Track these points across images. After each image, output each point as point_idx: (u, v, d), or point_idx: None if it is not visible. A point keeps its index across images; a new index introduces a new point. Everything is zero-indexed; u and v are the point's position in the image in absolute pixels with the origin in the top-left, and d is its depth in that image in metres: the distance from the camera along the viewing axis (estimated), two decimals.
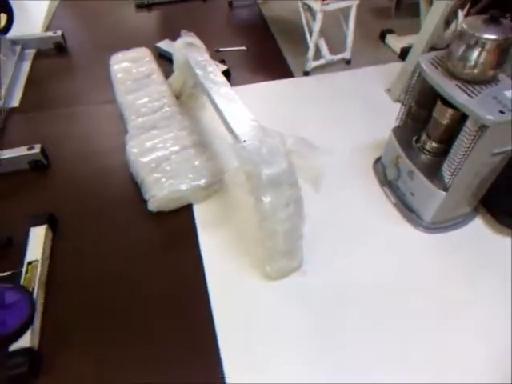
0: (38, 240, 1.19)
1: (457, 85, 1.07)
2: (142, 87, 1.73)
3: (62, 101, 1.83)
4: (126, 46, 2.02)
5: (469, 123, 1.04)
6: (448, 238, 1.32)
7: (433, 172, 1.24)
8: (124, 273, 1.21)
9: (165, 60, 2.01)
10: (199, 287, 1.17)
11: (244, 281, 1.19)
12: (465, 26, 1.03)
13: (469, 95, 1.03)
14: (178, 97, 1.74)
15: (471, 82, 1.07)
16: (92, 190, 1.43)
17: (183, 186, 1.31)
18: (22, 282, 1.08)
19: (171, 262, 1.24)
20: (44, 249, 1.18)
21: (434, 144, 1.28)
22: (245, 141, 1.08)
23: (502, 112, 0.98)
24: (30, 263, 1.13)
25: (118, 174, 1.48)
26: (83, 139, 1.63)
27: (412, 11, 2.25)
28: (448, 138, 1.26)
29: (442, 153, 1.29)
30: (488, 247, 1.28)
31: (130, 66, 1.85)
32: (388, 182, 1.44)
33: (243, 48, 2.19)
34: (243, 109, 1.22)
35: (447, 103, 1.15)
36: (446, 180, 1.18)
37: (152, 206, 1.29)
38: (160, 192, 1.29)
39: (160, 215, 1.33)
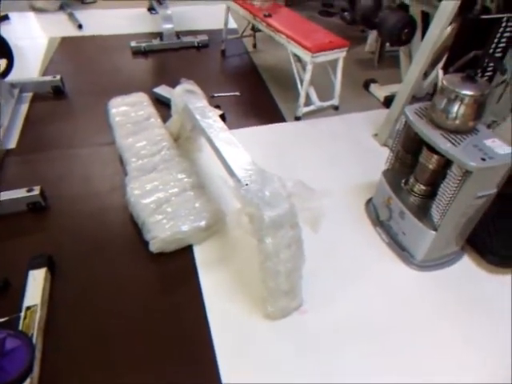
0: (36, 283, 1.18)
1: (441, 134, 1.17)
2: (140, 130, 1.79)
3: (60, 143, 1.87)
4: (124, 90, 2.10)
5: (454, 169, 1.13)
6: (439, 275, 1.37)
7: (422, 213, 1.32)
8: (125, 315, 1.20)
9: (161, 104, 2.10)
10: (201, 327, 1.17)
11: (245, 321, 1.20)
12: (445, 83, 1.15)
13: (452, 143, 1.13)
14: (175, 139, 1.81)
15: (454, 132, 1.17)
16: (91, 231, 1.44)
17: (185, 228, 1.34)
18: (20, 327, 1.05)
19: (172, 303, 1.24)
20: (43, 293, 1.16)
21: (422, 186, 1.37)
22: (247, 184, 1.14)
23: (483, 159, 1.07)
24: (28, 308, 1.11)
25: (117, 215, 1.50)
26: (81, 180, 1.65)
27: (392, 63, 2.45)
28: (434, 181, 1.35)
29: (430, 195, 1.37)
30: (476, 284, 1.34)
31: (128, 110, 1.91)
32: (380, 222, 1.51)
33: (237, 93, 2.31)
34: (243, 153, 1.28)
35: (433, 150, 1.25)
36: (435, 220, 1.26)
37: (154, 247, 1.31)
38: (162, 233, 1.31)
39: (160, 256, 1.34)
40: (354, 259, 1.41)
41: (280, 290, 1.11)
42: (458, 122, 1.15)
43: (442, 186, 1.20)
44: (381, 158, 1.91)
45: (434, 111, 1.20)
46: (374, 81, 2.46)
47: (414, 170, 1.39)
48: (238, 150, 1.30)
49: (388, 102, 2.30)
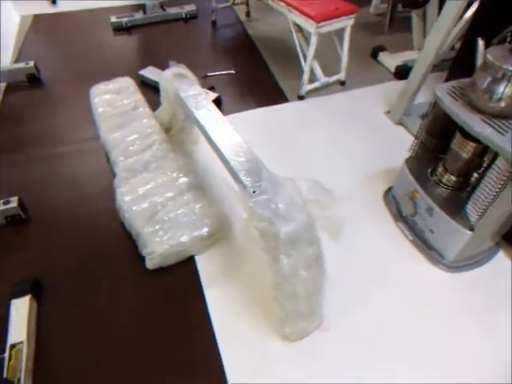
0: (20, 315, 1.03)
1: (482, 119, 0.99)
2: (128, 122, 1.59)
3: (39, 141, 1.67)
4: (106, 74, 1.87)
5: (499, 162, 0.96)
6: (472, 276, 1.23)
7: (455, 209, 1.15)
8: (122, 340, 1.06)
9: (149, 88, 1.88)
10: (210, 350, 1.03)
11: (260, 342, 1.06)
12: (490, 58, 0.95)
13: (498, 131, 0.95)
14: (167, 130, 1.61)
15: (497, 116, 0.99)
16: (79, 244, 1.27)
17: (184, 238, 1.18)
18: (5, 372, 0.91)
19: (175, 324, 1.10)
20: (28, 325, 1.01)
21: (453, 177, 1.20)
22: (254, 191, 0.96)
23: None
24: (13, 346, 0.97)
25: (108, 223, 1.33)
26: (65, 185, 1.47)
27: (401, 26, 2.20)
28: (468, 172, 1.18)
29: (462, 186, 1.21)
30: None
31: (113, 99, 1.70)
32: (403, 216, 1.34)
33: (232, 71, 2.08)
34: (249, 151, 1.10)
35: (468, 136, 1.07)
36: (472, 219, 1.09)
37: (150, 263, 1.15)
38: (159, 247, 1.15)
39: (159, 271, 1.19)
40: (375, 261, 1.26)
41: (299, 313, 0.97)
42: (503, 104, 0.96)
43: (482, 181, 1.03)
44: (395, 139, 1.73)
45: (474, 91, 1.01)
46: (382, 48, 2.22)
47: (443, 158, 1.22)
48: (242, 148, 1.11)
49: (400, 72, 2.08)
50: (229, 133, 1.16)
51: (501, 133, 0.95)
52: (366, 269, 1.24)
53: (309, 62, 1.79)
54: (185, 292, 1.16)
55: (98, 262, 1.22)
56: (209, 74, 2.02)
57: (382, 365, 1.02)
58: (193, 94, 1.35)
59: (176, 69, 1.45)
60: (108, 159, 1.53)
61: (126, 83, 1.79)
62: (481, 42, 1.00)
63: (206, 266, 1.22)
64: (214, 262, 1.24)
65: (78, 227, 1.32)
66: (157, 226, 1.20)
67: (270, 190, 0.95)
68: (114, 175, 1.44)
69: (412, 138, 1.69)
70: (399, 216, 1.36)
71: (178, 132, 1.60)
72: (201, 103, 1.30)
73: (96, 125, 1.63)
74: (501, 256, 1.27)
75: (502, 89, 0.94)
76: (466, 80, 1.05)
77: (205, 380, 1.00)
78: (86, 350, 1.04)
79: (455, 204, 1.17)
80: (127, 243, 1.25)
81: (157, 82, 1.84)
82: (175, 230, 1.19)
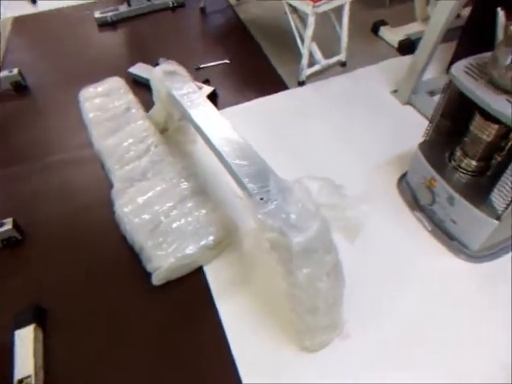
0: (26, 347, 0.97)
1: (507, 99, 0.89)
2: (121, 126, 1.50)
3: (30, 152, 1.58)
4: (94, 74, 1.79)
5: None
6: (497, 265, 1.15)
7: (478, 196, 1.07)
8: (136, 368, 1.00)
9: (141, 87, 1.78)
10: (225, 364, 0.98)
11: (277, 354, 1.00)
12: None
13: None
14: (162, 131, 1.53)
15: None
16: (79, 262, 1.21)
17: (190, 250, 1.11)
18: None
19: (188, 342, 1.04)
20: (35, 357, 0.96)
21: (473, 162, 1.11)
22: (262, 198, 0.89)
23: None
24: (21, 381, 0.91)
25: (108, 237, 1.26)
26: (60, 198, 1.39)
27: None
28: (489, 155, 1.09)
29: (482, 171, 1.12)
30: None
31: (103, 102, 1.61)
32: (420, 205, 1.26)
33: (226, 61, 1.97)
34: (252, 152, 1.02)
35: (490, 118, 0.97)
36: (498, 208, 1.01)
37: (157, 279, 1.09)
38: (164, 261, 1.08)
39: (166, 286, 1.12)
40: (393, 257, 1.18)
41: (320, 326, 0.90)
42: None
43: (509, 166, 0.93)
44: (405, 120, 1.63)
45: (496, 68, 0.91)
46: (383, 23, 2.09)
47: (460, 142, 1.12)
48: (244, 149, 1.03)
49: (403, 47, 1.96)
50: (229, 133, 1.08)
51: None
52: (385, 266, 1.17)
53: (307, 45, 1.68)
54: (196, 306, 1.10)
55: (100, 281, 1.16)
56: (202, 66, 1.91)
57: (407, 368, 0.96)
58: (186, 92, 1.26)
59: (166, 66, 1.35)
60: (103, 167, 1.46)
61: (116, 84, 1.70)
62: (501, 13, 0.89)
63: (215, 276, 1.16)
64: (223, 271, 1.17)
65: (76, 244, 1.26)
66: (160, 239, 1.14)
67: (278, 197, 0.87)
68: (110, 184, 1.37)
69: (422, 118, 1.62)
70: (415, 205, 1.28)
71: (174, 132, 1.51)
72: (196, 102, 1.21)
73: (88, 131, 1.55)
74: None
75: None
76: (486, 56, 0.95)
77: None
78: (97, 379, 0.98)
79: (478, 191, 1.08)
80: (130, 258, 1.18)
81: (148, 80, 1.73)
82: (180, 241, 1.12)
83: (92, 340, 1.05)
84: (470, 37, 1.56)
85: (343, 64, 1.89)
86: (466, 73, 0.97)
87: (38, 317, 1.06)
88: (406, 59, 1.89)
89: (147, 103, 1.62)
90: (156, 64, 1.82)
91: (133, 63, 1.90)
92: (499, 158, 1.09)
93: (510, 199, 0.98)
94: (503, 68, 0.89)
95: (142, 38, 2.22)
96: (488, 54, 0.95)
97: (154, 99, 1.49)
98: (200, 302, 1.11)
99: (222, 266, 1.18)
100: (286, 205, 0.84)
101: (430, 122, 1.18)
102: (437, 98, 1.66)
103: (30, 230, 1.29)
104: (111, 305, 1.11)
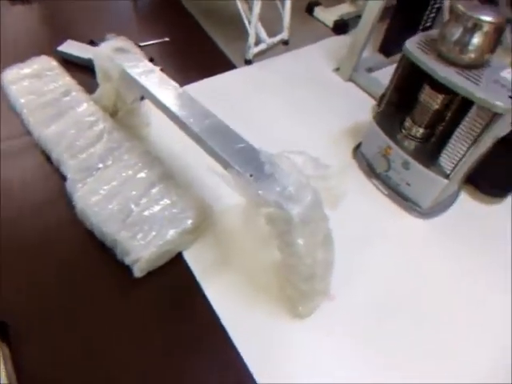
0: None
1: (457, 72, 1.01)
2: (63, 111, 1.35)
3: None
4: (16, 55, 1.56)
5: (475, 112, 1.00)
6: (444, 219, 1.33)
7: (428, 160, 1.21)
8: (126, 371, 0.95)
9: (76, 67, 1.61)
10: (228, 350, 0.99)
11: (271, 324, 1.04)
12: (461, 8, 0.95)
13: (473, 82, 0.99)
14: (112, 115, 1.41)
15: (468, 67, 1.02)
16: (42, 271, 1.07)
17: (169, 236, 1.06)
18: None
19: (182, 332, 1.01)
20: (9, 377, 0.85)
21: (421, 129, 1.24)
22: (251, 175, 0.89)
23: (511, 97, 0.95)
24: None
25: (72, 236, 1.14)
26: (5, 200, 1.21)
27: None
28: (434, 124, 1.23)
29: (428, 137, 1.26)
30: (481, 218, 1.33)
31: (35, 85, 1.42)
32: (376, 173, 1.38)
33: (166, 39, 1.87)
34: (229, 129, 1.01)
35: (437, 88, 1.10)
36: (447, 168, 1.16)
37: (139, 271, 1.03)
38: (144, 252, 1.03)
39: (148, 276, 1.06)
40: (359, 220, 1.29)
41: (315, 291, 0.95)
42: (474, 55, 1.00)
43: (457, 130, 1.07)
44: (349, 96, 1.74)
45: (444, 44, 1.02)
46: (317, 3, 2.17)
47: (412, 112, 1.25)
48: (222, 129, 1.01)
49: (338, 27, 2.07)
50: (202, 112, 1.05)
51: (475, 83, 0.98)
52: (350, 229, 1.25)
53: (254, 23, 1.68)
54: (183, 293, 1.08)
55: (73, 286, 1.05)
56: (142, 45, 1.79)
57: (388, 317, 1.08)
58: (142, 70, 1.18)
59: (115, 42, 1.24)
60: (49, 158, 1.30)
61: (47, 64, 1.51)
62: None
63: (196, 260, 1.13)
64: (203, 254, 1.15)
65: (34, 251, 1.11)
66: (136, 228, 1.07)
67: (268, 172, 0.88)
68: (62, 176, 1.24)
69: (364, 94, 1.75)
70: (371, 173, 1.40)
71: (126, 115, 1.41)
72: (156, 80, 1.14)
73: (22, 118, 1.36)
74: (463, 196, 1.39)
75: (473, 39, 0.96)
76: (435, 33, 1.06)
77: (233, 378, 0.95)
78: None
79: (427, 155, 1.22)
80: (102, 254, 1.09)
81: (82, 59, 1.60)
82: (158, 228, 1.07)
83: (73, 350, 0.96)
84: (401, 17, 1.70)
85: (285, 42, 1.94)
86: (419, 48, 1.08)
87: (2, 331, 0.93)
88: (342, 38, 2.02)
89: (88, 85, 1.47)
90: (91, 42, 1.67)
91: (60, 41, 1.69)
92: (441, 127, 1.25)
93: (456, 161, 1.13)
94: (451, 43, 1.00)
95: (64, 13, 1.98)
96: (436, 32, 1.06)
97: (99, 80, 1.36)
98: (186, 288, 1.08)
99: (201, 249, 1.16)
100: (278, 179, 0.86)
101: (383, 94, 1.28)
102: (375, 74, 1.83)
103: None
104: (91, 307, 1.02)
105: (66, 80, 1.46)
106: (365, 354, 1.01)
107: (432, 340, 1.04)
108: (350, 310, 1.08)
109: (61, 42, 1.68)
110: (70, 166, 1.21)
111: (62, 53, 1.64)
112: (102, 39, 1.27)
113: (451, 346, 1.04)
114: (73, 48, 1.64)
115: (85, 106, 1.37)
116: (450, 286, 1.16)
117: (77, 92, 1.42)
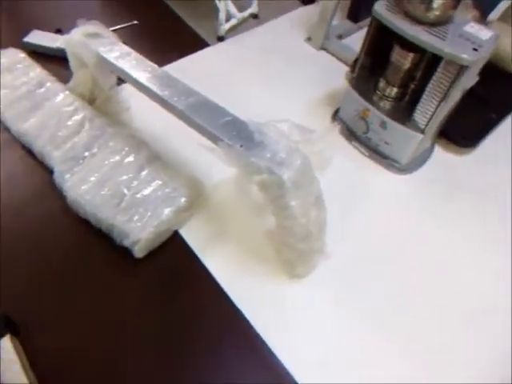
0: (9, 360, 0.88)
1: (424, 29, 1.06)
2: (39, 103, 1.33)
3: None
4: None
5: (443, 67, 1.06)
6: (421, 172, 1.41)
7: (404, 117, 1.27)
8: (137, 355, 0.97)
9: (46, 58, 1.56)
10: (233, 318, 1.04)
11: (273, 287, 1.10)
12: None
13: (440, 38, 1.04)
14: (90, 103, 1.40)
15: (434, 25, 1.07)
16: (39, 268, 1.08)
17: (165, 216, 1.09)
18: None
19: (187, 308, 1.05)
20: (26, 371, 0.87)
21: (395, 89, 1.30)
22: (241, 146, 0.93)
23: (475, 49, 1.01)
24: None
25: (66, 227, 1.15)
26: None
27: None
28: (407, 82, 1.29)
29: (402, 97, 1.32)
30: (455, 168, 1.42)
31: (6, 79, 1.39)
32: (356, 136, 1.44)
33: (134, 22, 1.83)
34: (213, 103, 1.03)
35: (407, 48, 1.15)
36: (421, 123, 1.22)
37: (139, 251, 1.06)
38: (143, 232, 1.05)
39: (148, 256, 1.10)
40: (345, 181, 1.34)
41: (312, 250, 1.02)
42: (438, 12, 1.04)
43: (428, 86, 1.13)
44: (322, 64, 1.78)
45: (410, 3, 1.06)
46: None
47: (385, 73, 1.30)
48: (206, 105, 1.03)
49: None
50: (186, 90, 1.06)
51: (442, 39, 1.04)
52: (338, 190, 1.30)
53: None
54: (185, 267, 1.12)
55: (74, 273, 1.07)
56: (111, 29, 1.74)
57: (385, 269, 1.16)
58: (119, 54, 1.17)
59: (86, 28, 1.22)
60: (31, 152, 1.29)
61: (15, 56, 1.47)
62: None
63: (194, 236, 1.17)
64: (199, 229, 1.19)
65: (32, 244, 1.12)
66: (131, 211, 1.09)
67: (257, 141, 0.92)
68: (48, 169, 1.23)
69: (337, 61, 1.79)
70: (351, 136, 1.46)
71: (104, 102, 1.40)
72: (135, 63, 1.15)
73: None
74: (437, 149, 1.47)
75: None
76: None
77: (248, 350, 1.00)
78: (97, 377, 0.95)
79: (402, 113, 1.28)
80: (100, 240, 1.11)
81: (52, 49, 1.56)
82: (152, 209, 1.10)
83: (85, 336, 0.99)
84: None
85: (255, 16, 1.93)
86: (387, 9, 1.12)
87: (9, 326, 0.95)
88: (311, 8, 2.03)
89: (60, 75, 1.45)
90: (58, 30, 1.63)
91: (24, 32, 1.64)
92: (413, 86, 1.31)
93: (429, 116, 1.19)
94: (417, 2, 1.05)
95: (30, 3, 1.90)
96: None
97: (73, 69, 1.35)
98: (187, 264, 1.12)
99: (198, 225, 1.20)
100: (268, 146, 0.90)
101: (356, 59, 1.32)
102: (346, 41, 1.87)
103: None
104: (97, 292, 1.05)
105: (37, 71, 1.43)
106: (362, 302, 1.09)
107: (424, 284, 1.13)
108: (345, 266, 1.15)
109: (25, 33, 1.63)
110: (55, 158, 1.21)
111: (29, 44, 1.58)
112: (70, 27, 1.25)
113: (444, 289, 1.12)
114: (39, 38, 1.59)
115: (61, 96, 1.35)
116: (433, 230, 1.26)
117: (51, 82, 1.40)
